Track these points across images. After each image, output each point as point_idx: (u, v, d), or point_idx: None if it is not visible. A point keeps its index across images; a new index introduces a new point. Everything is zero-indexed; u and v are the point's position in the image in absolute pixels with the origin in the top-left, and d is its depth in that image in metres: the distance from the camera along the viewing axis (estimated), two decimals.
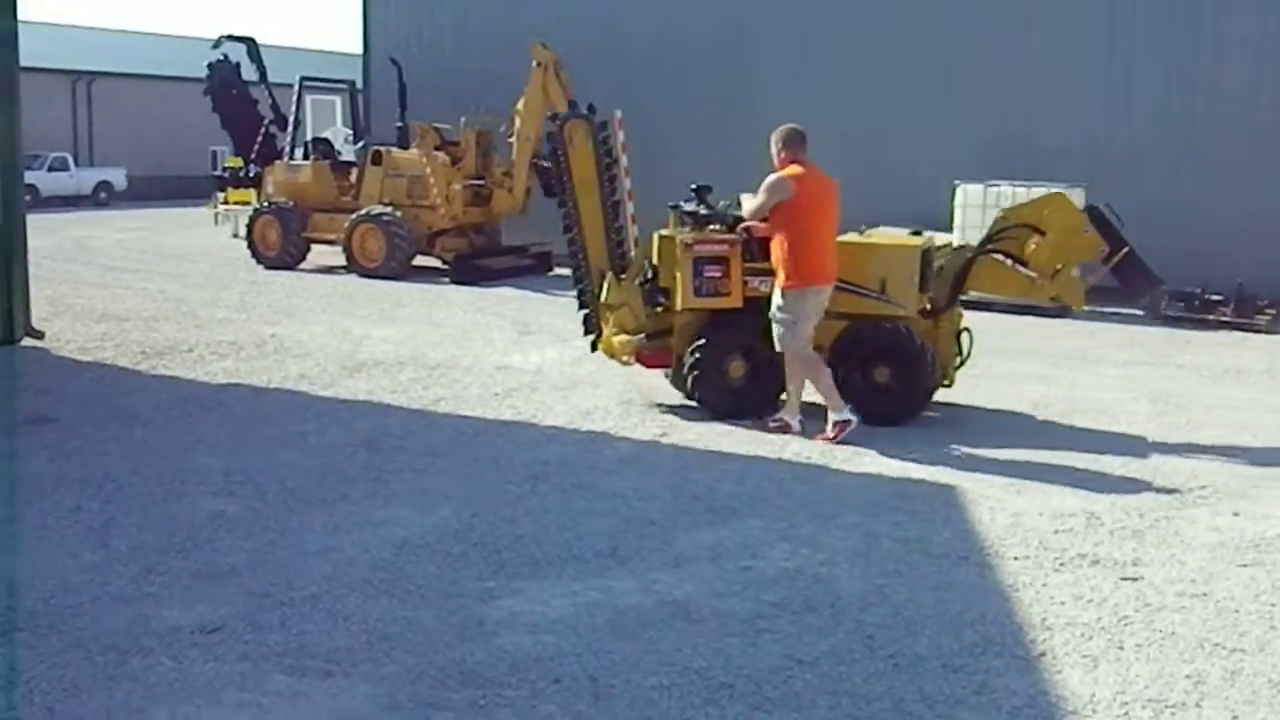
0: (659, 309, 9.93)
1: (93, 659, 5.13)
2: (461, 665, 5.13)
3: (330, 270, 20.41)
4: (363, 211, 19.97)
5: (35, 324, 12.97)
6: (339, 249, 20.26)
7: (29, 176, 25.55)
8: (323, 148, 22.54)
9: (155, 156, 45.14)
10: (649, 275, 9.95)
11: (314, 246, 20.94)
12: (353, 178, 21.22)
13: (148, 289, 17.57)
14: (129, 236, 27.33)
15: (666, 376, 10.24)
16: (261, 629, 5.45)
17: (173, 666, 5.08)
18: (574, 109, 10.49)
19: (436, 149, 20.05)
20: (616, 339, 9.97)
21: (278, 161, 21.90)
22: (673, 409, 9.89)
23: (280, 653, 5.22)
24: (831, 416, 9.00)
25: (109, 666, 5.06)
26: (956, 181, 17.54)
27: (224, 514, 7.01)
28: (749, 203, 9.44)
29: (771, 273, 9.24)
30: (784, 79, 20.57)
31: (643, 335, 9.89)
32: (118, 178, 43.84)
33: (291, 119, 22.34)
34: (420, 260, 20.07)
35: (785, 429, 9.16)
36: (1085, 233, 9.85)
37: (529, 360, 12.14)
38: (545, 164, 15.96)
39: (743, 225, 9.54)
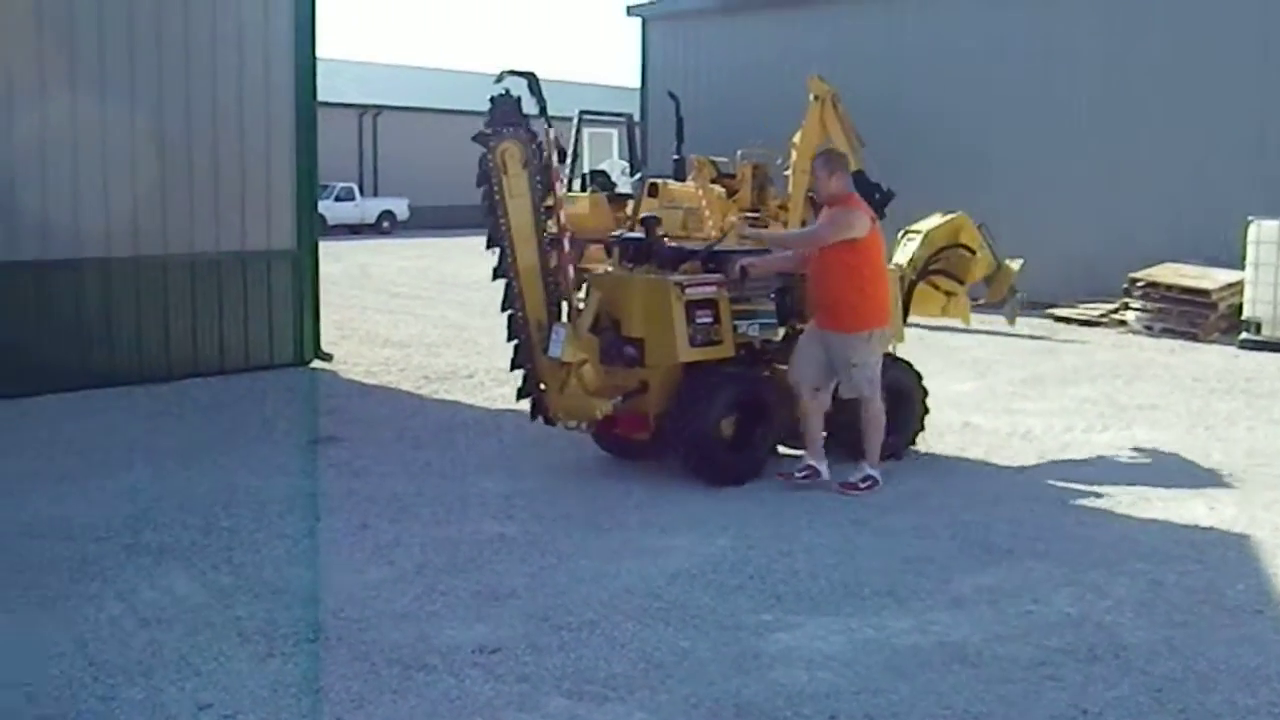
0: (616, 365, 8.39)
1: (378, 673, 5.29)
2: (736, 697, 5.09)
3: None
4: None
5: (325, 347, 13.55)
6: None
7: (318, 206, 26.70)
8: (600, 180, 22.92)
9: (436, 187, 46.70)
10: (604, 325, 8.43)
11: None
12: (629, 210, 21.47)
13: (429, 315, 18.19)
14: (410, 264, 28.37)
15: (601, 444, 9.07)
16: (540, 651, 5.52)
17: (454, 684, 5.19)
18: (502, 115, 8.50)
19: (712, 182, 20.13)
20: (586, 401, 8.32)
21: None
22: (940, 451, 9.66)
23: (558, 676, 5.28)
24: (867, 469, 8.36)
25: (393, 681, 5.21)
26: (1250, 217, 16.73)
27: (504, 536, 7.17)
28: (819, 230, 8.47)
29: (766, 315, 8.68)
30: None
31: (619, 396, 8.36)
32: (400, 208, 45.59)
33: (570, 152, 22.79)
34: None
35: (813, 475, 8.35)
36: (984, 250, 10.56)
37: None
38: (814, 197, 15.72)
39: (754, 259, 8.59)
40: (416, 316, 18.08)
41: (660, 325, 8.28)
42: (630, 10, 28.88)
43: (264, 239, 12.81)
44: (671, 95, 22.11)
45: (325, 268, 16.58)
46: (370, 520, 7.49)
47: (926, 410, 9.42)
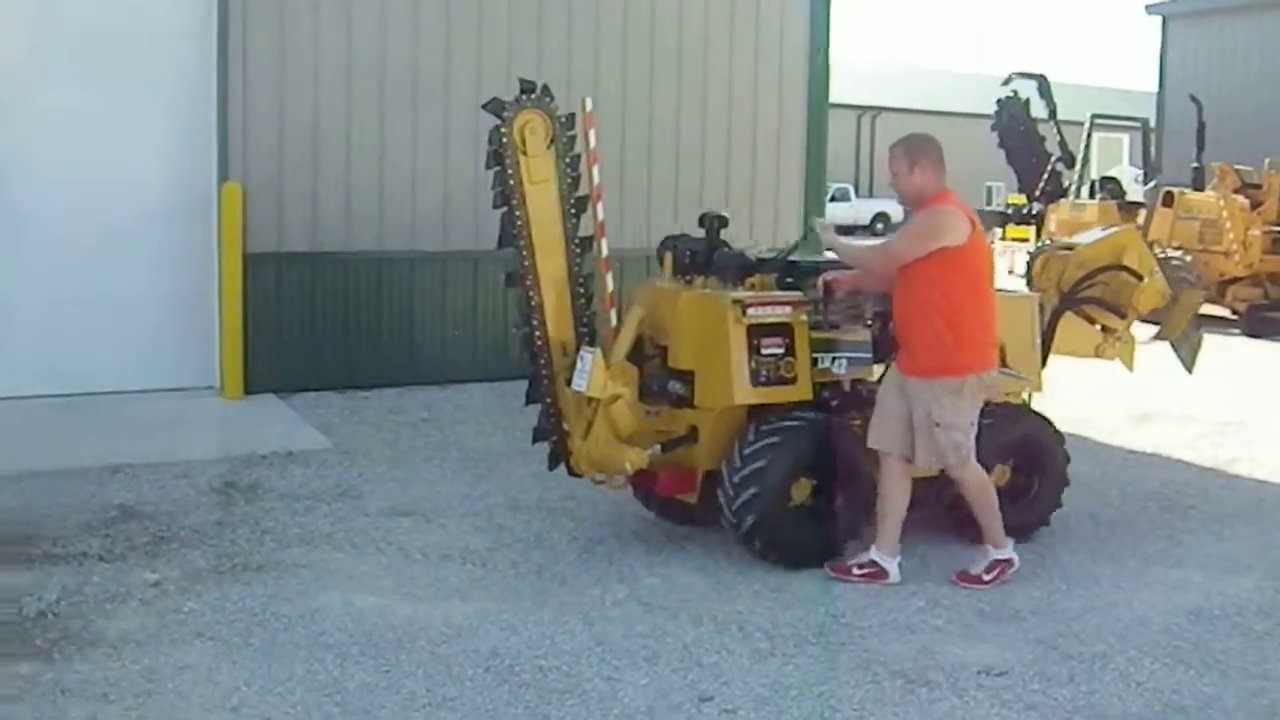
0: (661, 405, 6.69)
1: (880, 684, 5.16)
2: None
3: None
4: None
5: None
6: None
7: None
8: (1110, 187, 21.96)
9: None
10: (640, 352, 6.75)
11: None
12: (1141, 219, 20.49)
13: None
14: None
15: (645, 503, 7.25)
16: (1049, 681, 5.23)
17: (958, 704, 4.99)
18: (527, 89, 6.59)
19: (1235, 192, 18.90)
20: (616, 448, 6.49)
21: (1062, 200, 21.62)
22: None
23: (1069, 709, 4.99)
24: (992, 553, 6.47)
25: (895, 694, 5.07)
26: None
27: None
28: (897, 240, 6.56)
29: (851, 346, 6.75)
30: None
31: (657, 445, 6.58)
32: (895, 209, 45.40)
33: (1080, 157, 21.97)
34: (1208, 309, 18.97)
35: (876, 574, 6.38)
36: (1155, 274, 7.97)
37: None
38: None
39: (841, 272, 6.65)
40: None
41: (714, 356, 6.49)
42: (1149, 9, 27.55)
43: (771, 238, 12.93)
44: (1193, 99, 20.86)
45: None
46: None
47: (1067, 480, 7.39)
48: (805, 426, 6.47)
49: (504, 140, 6.44)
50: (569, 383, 6.50)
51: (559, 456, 6.80)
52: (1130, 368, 8.04)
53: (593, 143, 6.82)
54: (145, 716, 4.77)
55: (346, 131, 10.82)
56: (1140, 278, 7.73)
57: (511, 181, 6.48)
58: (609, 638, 5.57)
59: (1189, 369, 8.41)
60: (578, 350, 6.56)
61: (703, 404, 6.54)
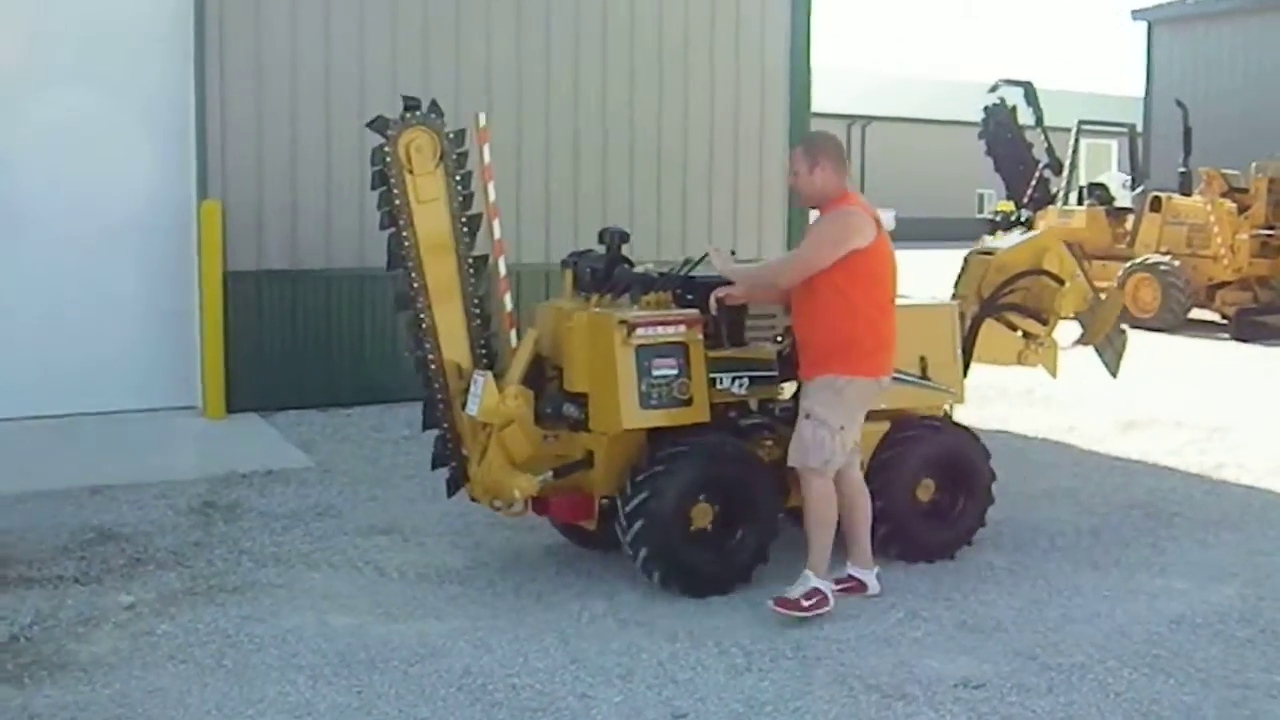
0: (558, 429, 6.44)
1: (856, 698, 5.12)
2: None
3: None
4: (1138, 260, 19.17)
5: None
6: None
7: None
8: (1098, 193, 21.99)
9: (925, 198, 46.30)
10: (541, 374, 6.48)
11: None
12: (1128, 225, 20.51)
13: None
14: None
15: (562, 529, 7.00)
16: (1027, 692, 5.19)
17: (933, 717, 4.97)
18: (411, 106, 6.38)
19: (1223, 196, 18.90)
20: (507, 475, 6.24)
21: (1050, 207, 21.63)
22: None
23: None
24: (811, 580, 6.00)
25: (871, 708, 5.02)
26: None
27: (991, 566, 6.82)
28: (806, 249, 6.15)
29: (752, 365, 6.46)
30: None
31: (549, 471, 6.34)
32: (887, 219, 44.86)
33: (1067, 163, 21.99)
34: (1196, 313, 18.96)
35: (855, 588, 6.26)
36: (1077, 278, 7.81)
37: None
38: None
39: (731, 286, 6.28)
40: None
41: (604, 378, 6.18)
42: (1135, 14, 27.59)
43: (755, 248, 12.92)
44: (1179, 103, 20.90)
45: None
46: None
47: (991, 498, 7.09)
48: (695, 451, 6.16)
49: (388, 159, 6.24)
50: (464, 406, 6.31)
51: (457, 482, 6.59)
52: (1054, 374, 7.81)
53: (486, 159, 6.68)
54: None
55: (326, 146, 10.77)
56: (1061, 282, 7.49)
57: (398, 201, 6.27)
58: (584, 654, 5.53)
59: (1113, 373, 8.12)
60: (469, 373, 6.36)
61: (596, 428, 6.27)
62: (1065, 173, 21.99)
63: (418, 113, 6.32)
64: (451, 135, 6.41)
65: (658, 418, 6.17)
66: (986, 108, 23.26)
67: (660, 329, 6.21)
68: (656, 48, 12.27)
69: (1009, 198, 23.73)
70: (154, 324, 10.55)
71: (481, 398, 6.13)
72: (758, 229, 12.88)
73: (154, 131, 10.50)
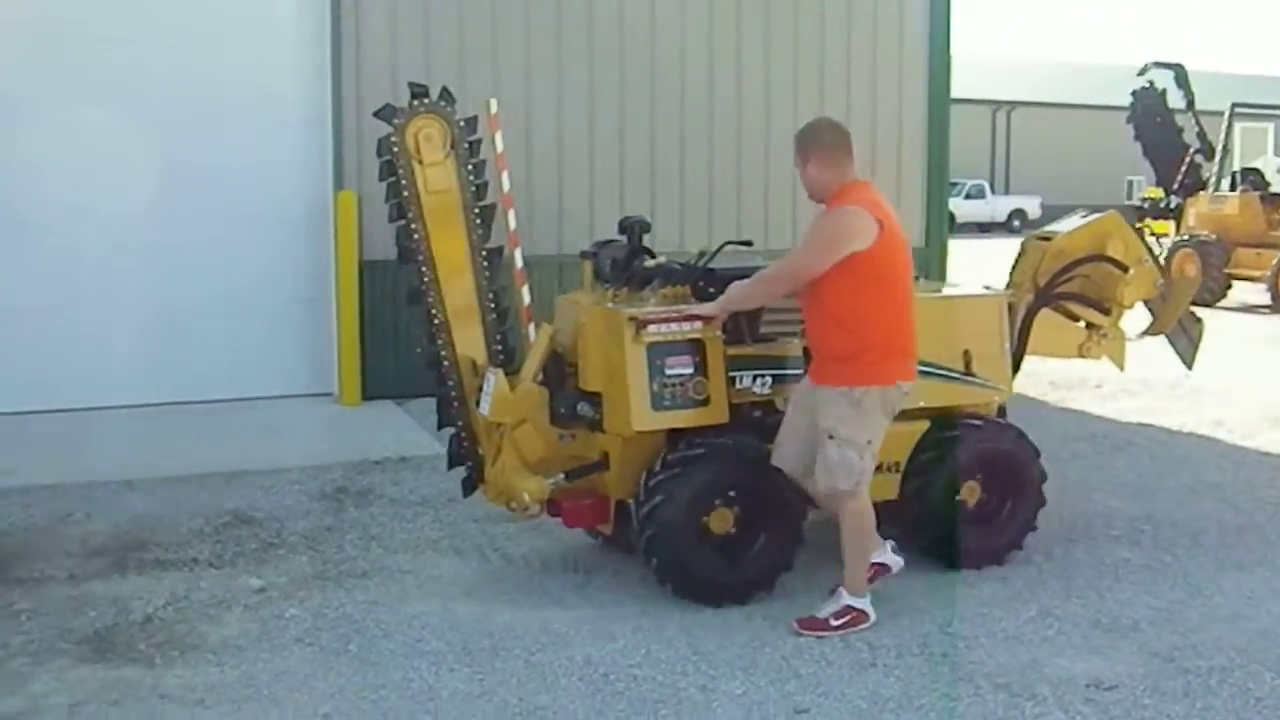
0: (575, 429, 6.15)
1: (982, 697, 4.99)
2: None
3: (1252, 309, 19.21)
4: None
5: None
6: (1263, 287, 19.02)
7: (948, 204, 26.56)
8: (1252, 178, 21.29)
9: (1070, 184, 45.38)
10: (561, 371, 6.18)
11: (1235, 284, 19.83)
12: None
13: None
14: None
15: (593, 536, 6.70)
16: (1162, 695, 5.01)
17: (1062, 719, 4.80)
18: (419, 93, 6.10)
19: None
20: (517, 477, 6.04)
21: (1201, 193, 21.02)
22: None
23: None
24: (845, 598, 5.68)
25: (998, 708, 4.89)
26: None
27: (1129, 563, 6.62)
28: (799, 255, 5.70)
29: (775, 362, 6.07)
30: None
31: (561, 473, 6.10)
32: (1032, 206, 44.66)
33: (1219, 148, 21.34)
34: None
35: (879, 571, 5.86)
36: (1144, 263, 7.14)
37: None
38: None
39: (716, 308, 5.89)
40: None
41: (616, 377, 5.89)
42: None
43: None
44: None
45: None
46: None
47: (1043, 499, 6.65)
48: (711, 454, 5.82)
49: (395, 149, 5.99)
50: (478, 404, 6.10)
51: (473, 483, 6.38)
52: (1121, 367, 7.37)
53: (499, 147, 6.35)
54: None
55: None
56: (1125, 269, 6.99)
57: (406, 193, 6.03)
58: (706, 646, 5.47)
59: (1189, 365, 7.65)
60: (484, 370, 6.13)
61: (609, 429, 5.97)
62: (1217, 157, 21.35)
63: (426, 100, 6.05)
64: (463, 123, 6.13)
65: (671, 419, 5.87)
66: (1135, 91, 22.66)
67: (674, 326, 5.89)
68: (792, 31, 12.17)
69: (1158, 184, 23.10)
70: (293, 313, 10.74)
71: (493, 396, 5.93)
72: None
73: (291, 123, 10.70)
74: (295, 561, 6.60)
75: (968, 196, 42.57)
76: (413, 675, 5.19)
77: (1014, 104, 47.88)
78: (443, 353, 6.15)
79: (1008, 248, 7.76)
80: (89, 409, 9.99)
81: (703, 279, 6.12)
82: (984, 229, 41.98)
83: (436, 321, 6.12)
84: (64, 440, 9.29)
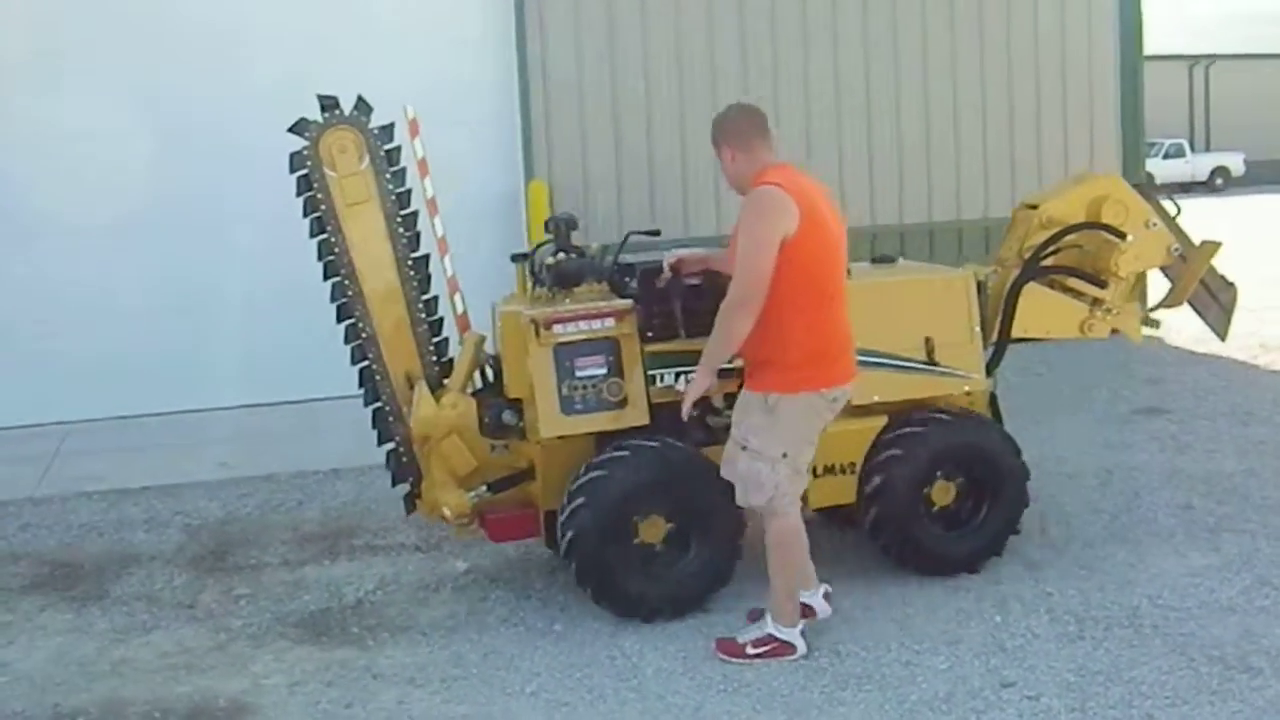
0: (505, 439, 5.86)
1: (1196, 669, 4.87)
2: None
3: None
4: None
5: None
6: None
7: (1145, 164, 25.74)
8: None
9: (1274, 141, 43.63)
10: (488, 380, 6.01)
11: None
12: None
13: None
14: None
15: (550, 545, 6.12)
16: None
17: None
18: (329, 106, 5.82)
19: None
20: (440, 491, 5.79)
21: None
22: None
23: None
24: (769, 626, 5.16)
25: (1213, 681, 4.77)
26: None
27: None
28: (740, 274, 4.92)
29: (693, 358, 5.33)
30: None
31: (483, 485, 5.85)
32: (1235, 162, 43.05)
33: None
34: None
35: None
36: (1150, 227, 6.24)
37: None
38: None
39: (691, 250, 5.68)
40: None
41: (530, 382, 5.63)
42: None
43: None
44: None
45: None
46: (1195, 500, 6.95)
47: (1026, 499, 6.02)
48: (635, 456, 5.44)
49: (309, 163, 5.79)
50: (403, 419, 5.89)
51: (414, 500, 6.09)
52: (1137, 340, 6.57)
53: (419, 152, 6.01)
54: (450, 700, 4.94)
55: (647, 125, 10.93)
56: (1123, 236, 6.21)
57: (324, 206, 5.81)
58: (911, 621, 5.44)
59: (1221, 335, 6.87)
60: (414, 383, 5.90)
61: (530, 436, 5.73)
62: None
63: (337, 111, 5.84)
64: (377, 131, 5.87)
65: (585, 423, 5.56)
66: None
67: (582, 324, 5.57)
68: (978, 7, 12.01)
69: None
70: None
71: (416, 408, 5.74)
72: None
73: (479, 116, 10.86)
74: (499, 546, 6.71)
75: (1166, 156, 41.22)
76: (617, 653, 5.27)
77: (1212, 57, 46.16)
78: (374, 366, 5.92)
79: (1210, 208, 7.48)
80: (310, 400, 10.24)
81: (619, 272, 5.84)
82: (1185, 189, 40.59)
83: (365, 335, 5.89)
84: (273, 432, 9.65)
